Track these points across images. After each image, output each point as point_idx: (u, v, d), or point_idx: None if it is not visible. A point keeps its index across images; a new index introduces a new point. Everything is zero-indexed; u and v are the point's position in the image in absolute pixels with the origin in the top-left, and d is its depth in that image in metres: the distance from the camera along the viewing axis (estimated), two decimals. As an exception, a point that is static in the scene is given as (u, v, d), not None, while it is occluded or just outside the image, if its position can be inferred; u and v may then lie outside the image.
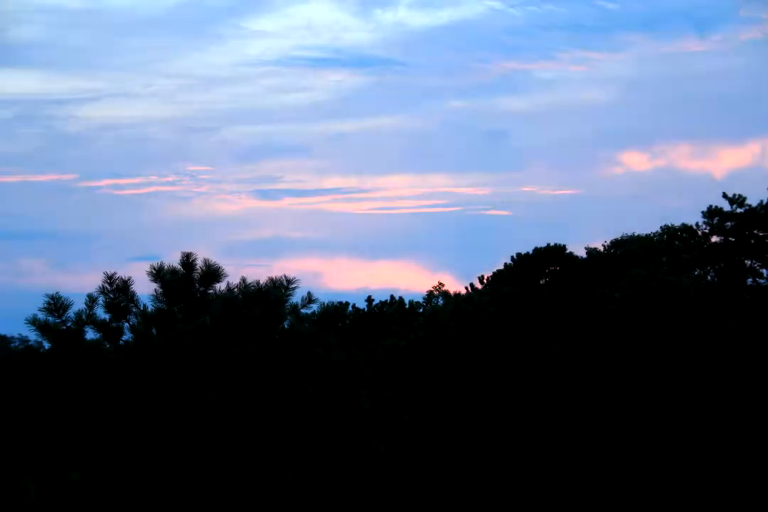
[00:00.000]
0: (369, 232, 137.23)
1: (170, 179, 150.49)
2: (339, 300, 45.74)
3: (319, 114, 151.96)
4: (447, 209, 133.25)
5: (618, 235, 49.28)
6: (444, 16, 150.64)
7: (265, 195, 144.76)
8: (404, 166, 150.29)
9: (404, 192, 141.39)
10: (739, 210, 41.80)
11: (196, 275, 15.94)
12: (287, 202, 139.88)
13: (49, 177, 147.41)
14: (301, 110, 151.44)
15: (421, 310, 47.09)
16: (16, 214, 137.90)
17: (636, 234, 48.52)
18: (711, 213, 42.35)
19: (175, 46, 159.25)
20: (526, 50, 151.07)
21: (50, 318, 15.24)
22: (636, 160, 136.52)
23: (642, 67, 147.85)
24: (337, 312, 15.85)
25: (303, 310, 15.66)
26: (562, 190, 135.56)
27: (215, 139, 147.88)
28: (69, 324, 15.33)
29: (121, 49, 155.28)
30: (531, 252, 44.61)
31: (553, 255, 43.93)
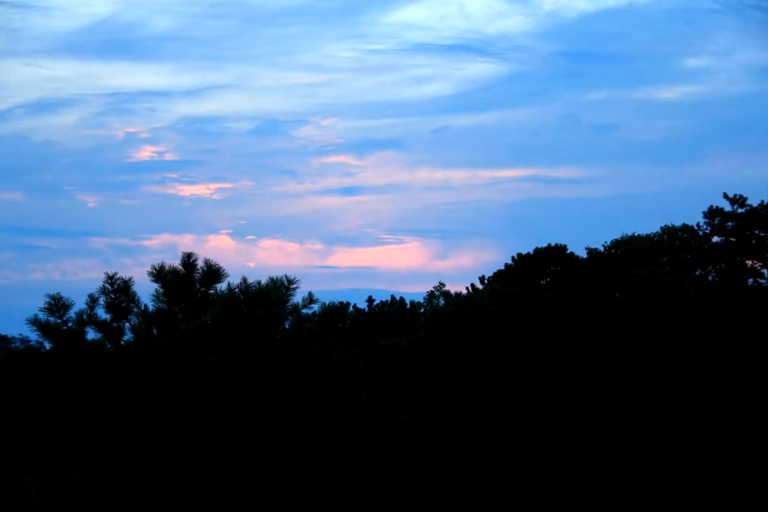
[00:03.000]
0: (440, 227, 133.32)
1: (269, 175, 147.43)
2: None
3: (437, 107, 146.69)
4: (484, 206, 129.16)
5: (618, 236, 49.27)
6: (609, 0, 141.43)
7: (349, 190, 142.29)
8: (490, 160, 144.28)
9: (475, 188, 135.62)
10: (740, 210, 41.79)
11: (197, 275, 15.94)
12: (367, 197, 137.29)
13: (130, 177, 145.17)
14: (417, 103, 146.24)
15: (422, 310, 47.10)
16: (95, 212, 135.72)
17: (636, 234, 48.50)
18: (712, 213, 42.33)
19: (308, 37, 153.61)
20: (683, 36, 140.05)
21: (51, 319, 15.26)
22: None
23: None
24: (337, 313, 15.86)
25: (304, 310, 15.66)
26: (643, 186, 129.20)
27: (320, 132, 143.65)
28: (70, 324, 15.34)
29: (252, 40, 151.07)
30: (532, 252, 44.62)
31: (553, 255, 43.93)
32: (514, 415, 29.07)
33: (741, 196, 42.02)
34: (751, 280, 41.37)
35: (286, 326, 15.56)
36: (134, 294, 15.88)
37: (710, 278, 41.79)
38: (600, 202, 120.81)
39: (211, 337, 14.88)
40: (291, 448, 14.61)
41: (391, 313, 43.79)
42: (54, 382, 14.99)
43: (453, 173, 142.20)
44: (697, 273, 41.50)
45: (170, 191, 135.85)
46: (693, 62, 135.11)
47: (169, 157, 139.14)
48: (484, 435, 28.76)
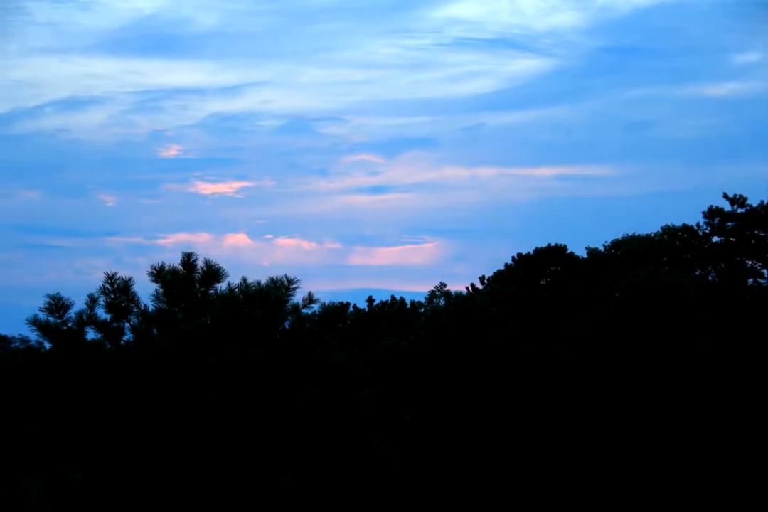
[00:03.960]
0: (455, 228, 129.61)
1: (295, 173, 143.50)
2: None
3: (474, 104, 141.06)
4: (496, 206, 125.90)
5: (619, 236, 49.29)
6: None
7: (375, 189, 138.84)
8: (520, 158, 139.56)
9: (502, 187, 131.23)
10: (739, 210, 41.78)
11: (196, 275, 15.93)
12: (392, 196, 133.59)
13: (162, 174, 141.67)
14: (455, 101, 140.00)
15: (422, 310, 47.09)
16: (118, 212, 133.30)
17: (636, 234, 48.50)
18: (712, 213, 42.31)
19: (352, 34, 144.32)
20: (733, 31, 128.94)
21: (51, 319, 15.25)
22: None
23: None
24: (337, 313, 15.84)
25: (304, 310, 15.64)
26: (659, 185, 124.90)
27: (351, 130, 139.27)
28: (70, 324, 15.34)
29: (294, 37, 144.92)
30: (532, 252, 44.60)
31: (553, 255, 43.90)
32: (514, 415, 29.08)
33: (741, 196, 42.01)
34: (751, 280, 41.36)
35: (286, 326, 15.55)
36: (134, 294, 15.87)
37: (710, 278, 41.77)
38: (622, 200, 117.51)
39: (211, 337, 14.87)
40: (291, 448, 14.61)
41: (391, 313, 43.81)
42: (54, 382, 14.98)
43: (481, 171, 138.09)
44: (697, 273, 41.49)
45: (192, 190, 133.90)
46: (742, 58, 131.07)
47: (194, 155, 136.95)
48: (484, 435, 28.77)
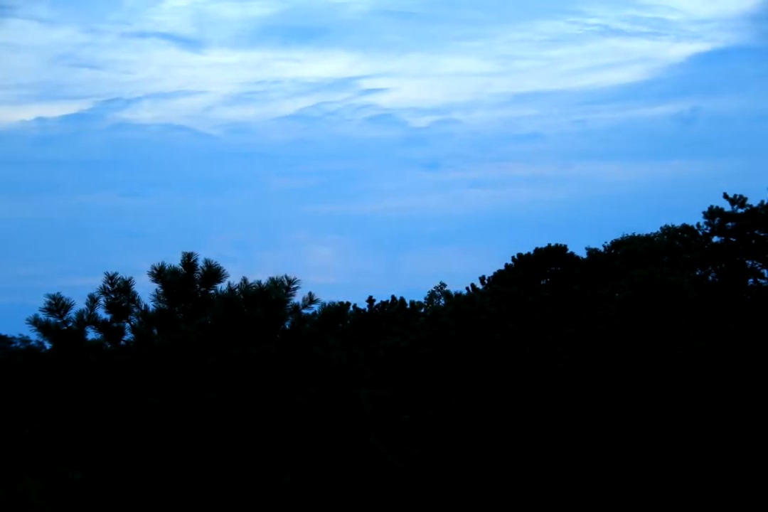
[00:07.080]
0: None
1: (384, 169, 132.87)
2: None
3: (607, 96, 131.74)
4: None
5: (618, 236, 49.35)
6: None
7: (474, 184, 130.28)
8: (625, 153, 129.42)
9: (596, 183, 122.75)
10: (739, 210, 41.78)
11: (197, 275, 15.95)
12: (480, 192, 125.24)
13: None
14: (587, 92, 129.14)
15: (422, 311, 47.13)
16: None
17: (636, 234, 48.56)
18: (712, 213, 42.30)
19: (500, 20, 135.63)
20: None
21: (51, 319, 15.27)
22: None
23: None
24: (338, 313, 15.86)
25: (304, 311, 15.67)
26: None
27: (456, 124, 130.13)
28: (70, 324, 15.36)
29: (440, 23, 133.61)
30: (532, 252, 44.65)
31: (553, 255, 43.97)
32: (514, 415, 29.08)
33: (741, 196, 41.98)
34: (751, 280, 41.37)
35: (286, 326, 15.57)
36: (134, 294, 15.91)
37: (710, 278, 41.78)
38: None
39: (211, 337, 14.89)
40: (290, 448, 14.62)
41: (391, 313, 43.82)
42: (54, 382, 15.00)
43: (584, 167, 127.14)
44: (697, 273, 41.49)
45: (265, 185, 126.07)
46: None
47: (273, 149, 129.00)
48: (484, 436, 28.77)
